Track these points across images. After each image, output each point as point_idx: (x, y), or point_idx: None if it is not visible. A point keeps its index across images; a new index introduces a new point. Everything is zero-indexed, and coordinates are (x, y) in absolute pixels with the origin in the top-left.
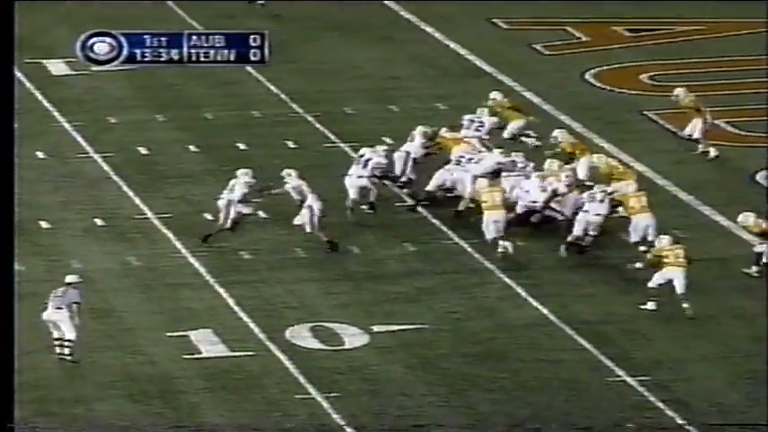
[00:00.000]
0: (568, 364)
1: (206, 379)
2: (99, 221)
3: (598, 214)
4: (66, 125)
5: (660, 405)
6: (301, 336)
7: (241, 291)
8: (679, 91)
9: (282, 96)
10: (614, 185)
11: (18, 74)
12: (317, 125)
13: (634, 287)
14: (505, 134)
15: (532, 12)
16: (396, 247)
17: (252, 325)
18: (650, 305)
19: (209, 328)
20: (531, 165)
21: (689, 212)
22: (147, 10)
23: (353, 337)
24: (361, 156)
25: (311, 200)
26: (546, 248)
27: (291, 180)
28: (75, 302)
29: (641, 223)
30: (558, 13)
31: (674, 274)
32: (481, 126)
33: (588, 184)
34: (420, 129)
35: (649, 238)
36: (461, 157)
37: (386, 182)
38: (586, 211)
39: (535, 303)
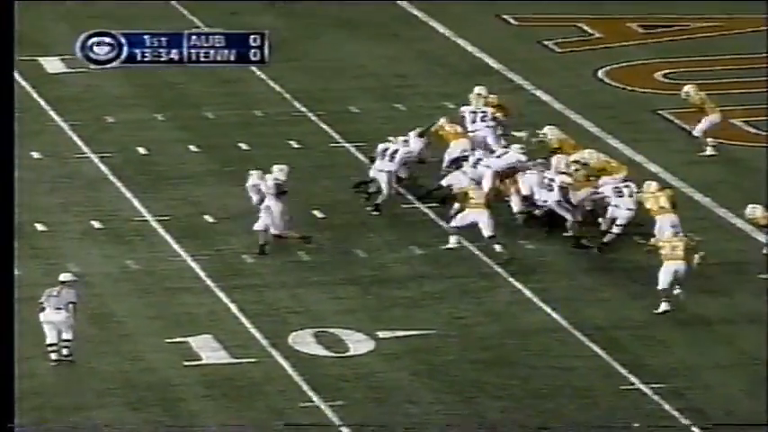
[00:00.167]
0: (580, 371)
1: (207, 386)
2: (97, 224)
3: (630, 209)
4: (63, 124)
5: (675, 414)
6: (305, 342)
7: (243, 295)
8: (688, 88)
9: (286, 95)
10: (603, 180)
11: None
12: (322, 125)
13: (648, 291)
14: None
15: (543, 8)
16: (402, 250)
17: (254, 331)
18: (663, 306)
19: (209, 334)
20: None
21: (705, 214)
22: (147, 9)
23: (359, 344)
24: (385, 149)
25: (269, 200)
26: (557, 251)
27: (251, 179)
28: (72, 302)
29: (665, 223)
30: (570, 10)
31: (676, 267)
32: (485, 116)
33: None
34: (413, 133)
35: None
36: (479, 159)
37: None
38: (616, 206)
39: (546, 308)
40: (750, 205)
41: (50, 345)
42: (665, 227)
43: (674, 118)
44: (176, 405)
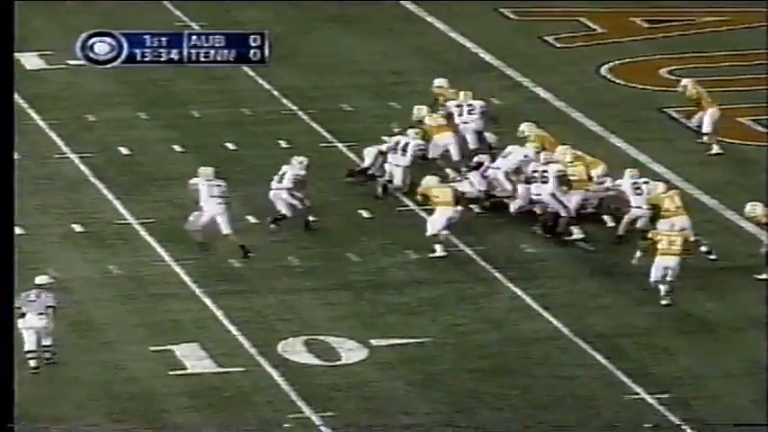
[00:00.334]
0: (582, 380)
1: (192, 397)
2: (78, 227)
3: (648, 209)
4: (42, 123)
5: (681, 424)
6: (295, 350)
7: (230, 301)
8: (686, 81)
9: (275, 93)
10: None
11: None
12: (313, 123)
13: (652, 297)
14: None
15: (543, 2)
16: (397, 254)
17: (242, 338)
18: (665, 302)
19: (195, 342)
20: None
21: (712, 216)
22: (144, 9)
23: (351, 352)
24: (397, 143)
25: (203, 200)
26: (557, 255)
27: (195, 179)
28: (51, 306)
29: (684, 224)
30: (571, 3)
31: (667, 263)
32: (473, 110)
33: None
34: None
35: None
36: (488, 167)
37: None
38: (638, 207)
39: (547, 315)
40: (750, 203)
41: (29, 351)
42: (678, 228)
43: (681, 117)
44: (160, 416)
